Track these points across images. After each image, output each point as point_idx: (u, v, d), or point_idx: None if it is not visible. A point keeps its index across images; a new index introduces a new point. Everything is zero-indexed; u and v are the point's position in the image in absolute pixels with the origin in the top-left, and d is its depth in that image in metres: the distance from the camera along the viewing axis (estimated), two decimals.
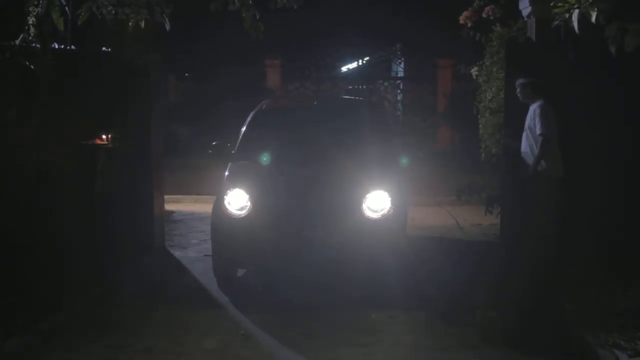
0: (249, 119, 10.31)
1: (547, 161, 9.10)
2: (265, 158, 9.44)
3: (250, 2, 8.65)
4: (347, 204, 8.68)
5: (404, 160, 9.60)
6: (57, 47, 9.22)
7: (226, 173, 9.42)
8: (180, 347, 7.02)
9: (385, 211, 8.70)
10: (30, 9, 7.54)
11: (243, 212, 8.74)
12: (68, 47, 9.41)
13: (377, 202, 8.72)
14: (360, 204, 8.67)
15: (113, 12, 8.27)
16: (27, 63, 8.37)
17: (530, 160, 9.25)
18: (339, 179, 8.94)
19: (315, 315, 7.99)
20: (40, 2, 6.92)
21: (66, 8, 7.28)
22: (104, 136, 9.72)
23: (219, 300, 8.61)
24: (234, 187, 8.89)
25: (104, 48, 10.27)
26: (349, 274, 8.71)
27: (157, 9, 8.31)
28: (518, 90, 9.52)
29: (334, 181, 8.93)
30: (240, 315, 8.04)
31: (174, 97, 22.20)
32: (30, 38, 8.03)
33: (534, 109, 9.24)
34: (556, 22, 6.48)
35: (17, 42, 8.15)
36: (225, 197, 8.85)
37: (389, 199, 8.75)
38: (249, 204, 8.74)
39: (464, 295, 8.58)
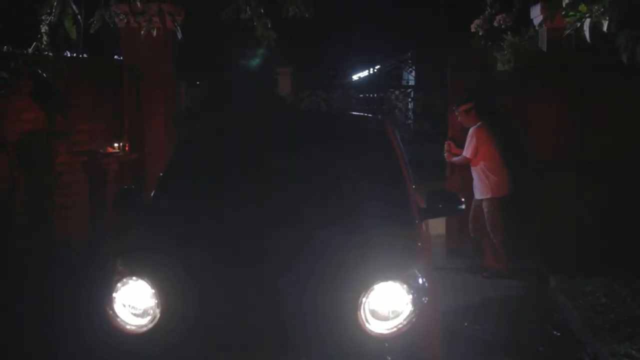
0: (175, 149, 6.89)
1: (489, 182, 9.23)
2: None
3: (262, 10, 8.68)
4: (332, 309, 4.82)
5: None
6: (69, 55, 9.26)
7: (120, 248, 5.74)
8: None
9: (401, 321, 4.86)
10: (43, 17, 7.57)
11: (146, 323, 4.92)
12: (80, 56, 9.45)
13: (386, 304, 4.88)
14: (355, 307, 4.81)
15: (125, 20, 8.31)
16: (40, 71, 8.40)
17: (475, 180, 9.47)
18: (317, 260, 5.04)
19: None
20: (53, 10, 6.95)
21: (79, 16, 7.30)
22: (115, 144, 9.73)
23: None
24: (131, 274, 5.03)
25: (116, 56, 10.31)
26: None
27: (169, 17, 8.34)
28: (460, 117, 9.59)
29: (310, 265, 5.00)
30: None
31: (184, 103, 22.25)
32: (43, 46, 8.07)
33: (469, 133, 9.34)
34: (567, 31, 6.46)
35: (30, 50, 8.20)
36: (114, 294, 5.01)
37: (409, 297, 4.89)
38: (156, 304, 4.92)
39: None
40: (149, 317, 4.91)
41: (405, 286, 4.91)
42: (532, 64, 10.12)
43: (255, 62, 10.60)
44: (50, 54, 8.36)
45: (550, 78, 10.02)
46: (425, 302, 4.95)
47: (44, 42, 8.08)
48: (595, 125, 9.96)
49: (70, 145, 9.14)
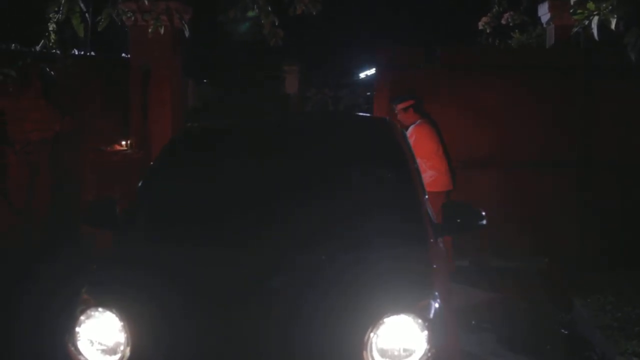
0: (156, 159, 5.98)
1: (426, 178, 9.15)
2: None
3: (269, 8, 8.68)
4: (333, 348, 4.14)
5: None
6: (77, 53, 9.28)
7: (88, 273, 4.84)
8: None
9: None
10: (51, 15, 7.59)
11: None
12: (88, 54, 9.47)
13: (397, 342, 4.17)
14: (360, 346, 4.12)
15: (133, 18, 8.34)
16: (48, 69, 8.43)
17: None
18: (314, 289, 4.37)
19: None
20: (61, 8, 6.96)
21: (86, 14, 7.32)
22: (123, 142, 9.76)
23: None
24: (97, 304, 4.38)
25: (123, 54, 10.32)
26: None
27: (176, 15, 8.36)
28: (398, 115, 9.38)
29: (305, 295, 4.34)
30: None
31: (192, 101, 22.30)
32: (51, 44, 8.09)
33: (409, 130, 9.24)
34: (575, 29, 6.45)
35: (38, 48, 8.22)
36: (76, 328, 4.34)
37: (424, 333, 4.16)
38: (126, 340, 4.24)
39: None
40: (118, 356, 4.23)
41: (419, 320, 4.18)
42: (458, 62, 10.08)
43: (245, 26, 10.43)
44: (58, 52, 8.38)
45: (475, 76, 9.95)
46: (444, 337, 4.24)
47: (52, 41, 8.10)
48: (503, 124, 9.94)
49: (77, 144, 9.15)
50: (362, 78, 27.70)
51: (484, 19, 12.60)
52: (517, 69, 9.89)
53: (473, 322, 7.59)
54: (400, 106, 9.28)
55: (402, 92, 9.41)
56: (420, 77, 9.87)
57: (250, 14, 8.69)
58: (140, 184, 5.53)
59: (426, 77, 9.90)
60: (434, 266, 4.74)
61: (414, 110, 9.21)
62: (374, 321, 4.14)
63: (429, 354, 4.11)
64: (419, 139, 9.01)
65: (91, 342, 4.30)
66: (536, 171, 9.84)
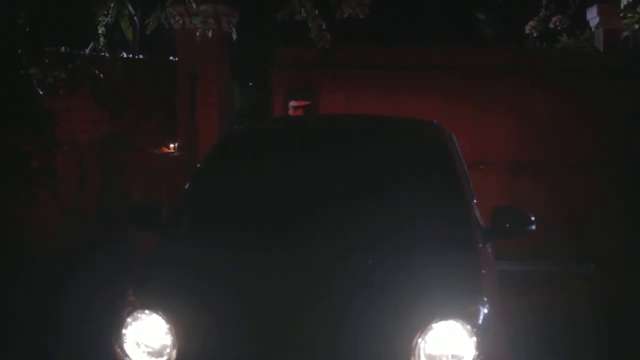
0: (202, 160, 5.87)
1: None
2: None
3: (317, 12, 8.70)
4: (381, 353, 4.11)
5: None
6: (125, 55, 9.38)
7: (135, 274, 4.85)
8: None
9: None
10: (100, 18, 7.68)
11: None
12: (136, 56, 9.56)
13: (445, 348, 4.11)
14: (408, 351, 4.08)
15: (181, 21, 8.40)
16: (97, 72, 8.53)
17: None
18: (361, 293, 4.31)
19: None
20: (110, 12, 7.05)
21: (135, 18, 7.39)
22: (170, 145, 9.83)
23: None
24: (143, 307, 4.35)
25: (171, 57, 10.40)
26: None
27: (224, 18, 8.40)
28: (290, 111, 9.40)
29: (352, 299, 4.28)
30: None
31: (237, 103, 22.37)
32: (100, 47, 8.19)
33: None
34: (625, 33, 6.41)
35: (87, 50, 8.32)
36: (123, 330, 4.31)
37: (473, 339, 4.10)
38: (172, 343, 4.22)
39: None
40: (164, 358, 4.21)
41: (468, 326, 4.10)
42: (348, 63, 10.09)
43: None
44: (107, 54, 8.48)
45: (361, 75, 9.94)
46: (493, 343, 4.17)
47: (101, 43, 8.20)
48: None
49: (125, 145, 9.25)
50: None
51: (531, 23, 12.52)
52: (414, 69, 10.02)
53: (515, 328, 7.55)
54: (293, 103, 9.31)
55: (299, 91, 9.47)
56: (315, 77, 9.91)
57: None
58: (187, 186, 5.47)
59: (320, 76, 9.91)
60: (483, 271, 4.65)
61: (303, 111, 9.22)
62: (422, 326, 4.06)
63: None
64: None
65: (137, 344, 4.25)
66: None
